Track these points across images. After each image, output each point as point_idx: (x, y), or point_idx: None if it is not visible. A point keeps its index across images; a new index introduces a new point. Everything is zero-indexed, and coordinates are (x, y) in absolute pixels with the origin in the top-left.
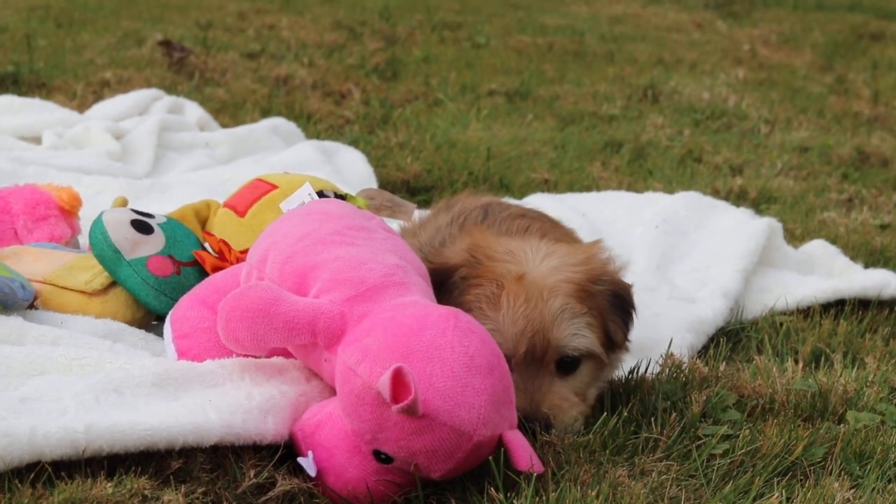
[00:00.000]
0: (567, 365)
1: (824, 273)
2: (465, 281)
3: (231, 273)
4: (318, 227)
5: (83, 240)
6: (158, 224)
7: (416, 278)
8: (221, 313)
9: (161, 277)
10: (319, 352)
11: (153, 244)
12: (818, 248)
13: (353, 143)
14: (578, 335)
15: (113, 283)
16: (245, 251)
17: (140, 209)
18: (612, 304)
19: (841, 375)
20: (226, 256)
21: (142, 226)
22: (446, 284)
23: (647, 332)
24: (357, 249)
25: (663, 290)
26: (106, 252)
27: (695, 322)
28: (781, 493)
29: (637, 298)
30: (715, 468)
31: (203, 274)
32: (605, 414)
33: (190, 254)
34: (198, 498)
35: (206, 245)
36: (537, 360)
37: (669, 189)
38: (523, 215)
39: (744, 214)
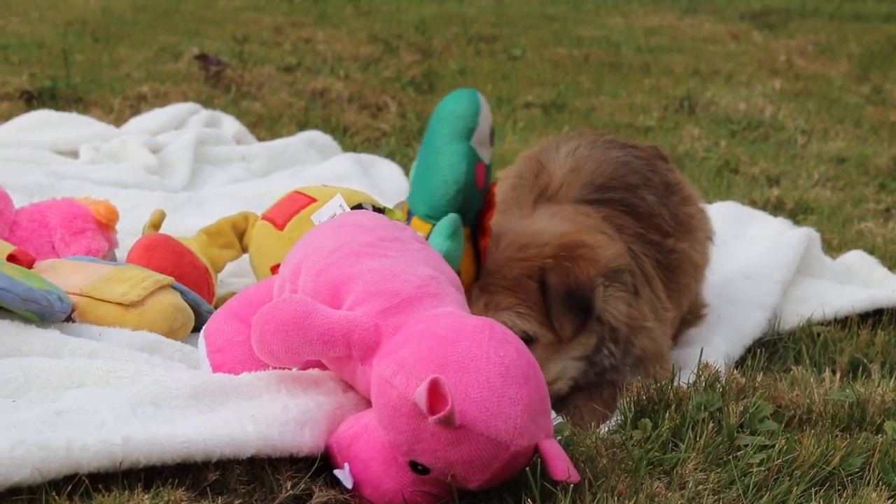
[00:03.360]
0: None
1: (862, 283)
2: None
3: (264, 286)
4: (350, 239)
5: (120, 253)
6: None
7: (449, 289)
8: (255, 327)
9: (475, 185)
10: (354, 364)
11: (487, 155)
12: (856, 258)
13: (390, 155)
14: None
15: (149, 295)
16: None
17: (177, 223)
18: (557, 302)
19: (879, 385)
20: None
21: (492, 134)
22: None
23: (683, 341)
24: (390, 261)
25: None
26: (466, 120)
27: (732, 332)
28: (819, 503)
29: None
30: (752, 478)
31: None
32: (642, 422)
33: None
34: None
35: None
36: None
37: (707, 199)
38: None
39: (782, 224)
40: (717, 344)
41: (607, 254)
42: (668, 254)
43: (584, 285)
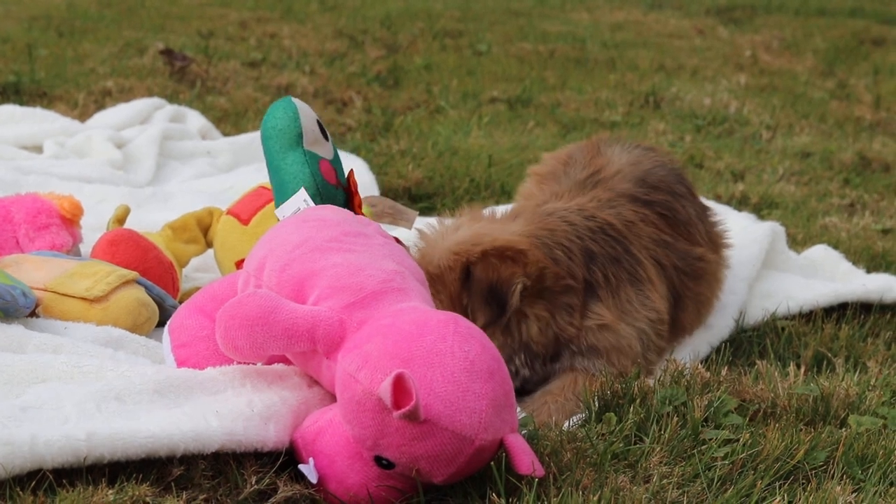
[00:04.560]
0: None
1: (827, 278)
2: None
3: (228, 281)
4: (315, 234)
5: (84, 248)
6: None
7: (414, 284)
8: (220, 322)
9: (328, 183)
10: (319, 359)
11: (326, 151)
12: (820, 252)
13: (355, 150)
14: None
15: (114, 290)
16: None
17: (141, 218)
18: (477, 293)
19: (843, 380)
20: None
21: (322, 129)
22: None
23: None
24: (355, 256)
25: None
26: (289, 130)
27: (700, 331)
28: (783, 497)
29: None
30: (716, 471)
31: (346, 205)
32: (606, 416)
33: (344, 179)
34: None
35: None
36: None
37: None
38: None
39: (746, 219)
40: (686, 341)
41: (537, 263)
42: (695, 261)
43: (504, 282)
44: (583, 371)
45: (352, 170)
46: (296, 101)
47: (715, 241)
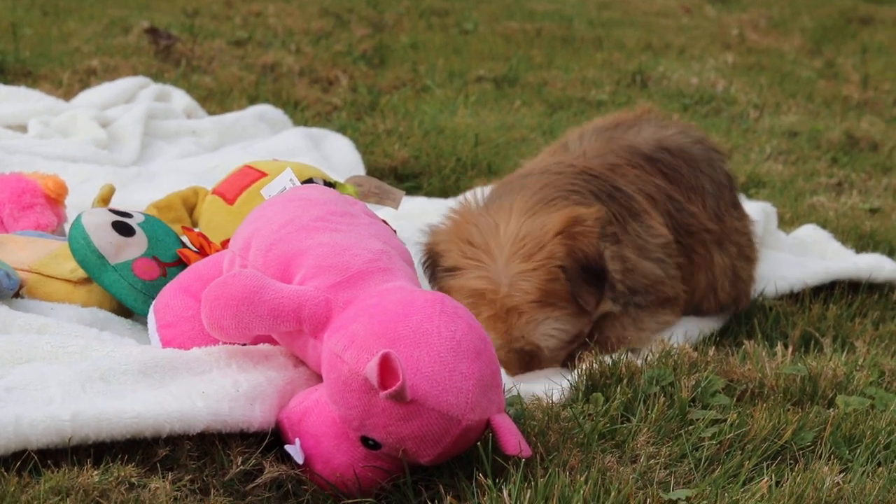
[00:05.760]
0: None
1: (817, 258)
2: (444, 278)
3: (213, 261)
4: (301, 214)
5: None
6: (138, 224)
7: (400, 263)
8: (205, 301)
9: (148, 281)
10: (305, 339)
11: (136, 247)
12: (809, 232)
13: (341, 129)
14: (550, 337)
15: None
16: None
17: (126, 198)
18: (580, 279)
19: (830, 359)
20: (206, 251)
21: (123, 227)
22: (433, 271)
23: None
24: (341, 235)
25: None
26: (89, 258)
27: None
28: (771, 477)
29: None
30: (704, 451)
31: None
32: (594, 396)
33: (173, 253)
34: (185, 485)
35: (185, 240)
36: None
37: None
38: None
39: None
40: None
41: (593, 215)
42: (689, 217)
43: (593, 257)
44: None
45: (196, 233)
46: (84, 218)
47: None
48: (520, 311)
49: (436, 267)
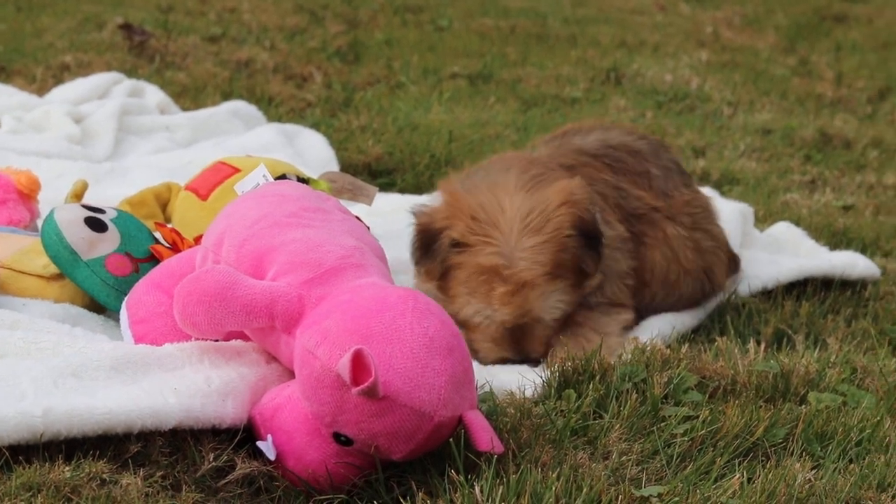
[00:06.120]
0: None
1: (790, 256)
2: (450, 254)
3: (186, 257)
4: (273, 210)
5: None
6: (111, 220)
7: (373, 259)
8: (178, 297)
9: (120, 277)
10: (277, 335)
11: (109, 242)
12: (783, 230)
13: (315, 126)
14: (555, 309)
15: None
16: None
17: (100, 194)
18: (582, 245)
19: (803, 357)
20: (179, 247)
21: (96, 223)
22: (432, 248)
23: None
24: (314, 231)
25: None
26: (62, 254)
27: (670, 318)
28: (743, 474)
29: None
30: (676, 448)
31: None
32: (566, 393)
33: (146, 249)
34: (157, 481)
35: (158, 235)
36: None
37: None
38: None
39: (710, 194)
40: (653, 324)
41: (580, 186)
42: (636, 201)
43: (590, 221)
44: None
45: (169, 228)
46: (57, 214)
47: (673, 197)
48: (534, 284)
49: (434, 244)
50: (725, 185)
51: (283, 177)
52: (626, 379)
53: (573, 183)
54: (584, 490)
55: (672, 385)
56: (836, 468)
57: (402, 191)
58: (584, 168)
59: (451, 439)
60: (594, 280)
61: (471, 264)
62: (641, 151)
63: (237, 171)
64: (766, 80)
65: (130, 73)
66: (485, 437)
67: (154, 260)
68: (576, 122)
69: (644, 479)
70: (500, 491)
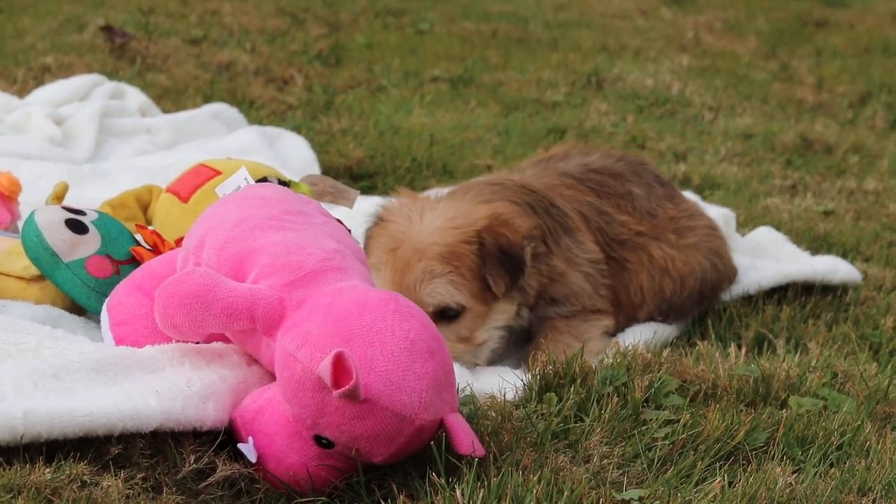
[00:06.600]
0: (450, 315)
1: (772, 260)
2: (369, 241)
3: (167, 259)
4: (255, 212)
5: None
6: (92, 222)
7: (354, 262)
8: (159, 300)
9: (101, 279)
10: (258, 337)
11: (90, 244)
12: (765, 234)
13: (296, 129)
14: (435, 293)
15: None
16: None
17: (80, 196)
18: (495, 259)
19: (784, 361)
20: (160, 249)
21: (76, 225)
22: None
23: None
24: (295, 234)
25: None
26: (42, 255)
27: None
28: (724, 478)
29: None
30: (657, 452)
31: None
32: (547, 396)
33: (127, 251)
34: (137, 483)
35: (139, 238)
36: None
37: None
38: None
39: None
40: (635, 330)
41: (526, 224)
42: (619, 227)
43: (515, 245)
44: (559, 317)
45: (150, 230)
46: (38, 216)
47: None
48: (423, 255)
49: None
50: (706, 189)
51: (264, 179)
52: (608, 382)
53: (516, 216)
54: (565, 493)
55: (653, 389)
56: (816, 472)
57: (384, 194)
58: (568, 190)
59: (432, 442)
60: (507, 305)
61: (384, 233)
62: (622, 173)
63: (218, 173)
64: (747, 85)
65: (111, 74)
66: (466, 440)
67: (135, 262)
68: (557, 145)
69: (625, 482)
70: (482, 494)
